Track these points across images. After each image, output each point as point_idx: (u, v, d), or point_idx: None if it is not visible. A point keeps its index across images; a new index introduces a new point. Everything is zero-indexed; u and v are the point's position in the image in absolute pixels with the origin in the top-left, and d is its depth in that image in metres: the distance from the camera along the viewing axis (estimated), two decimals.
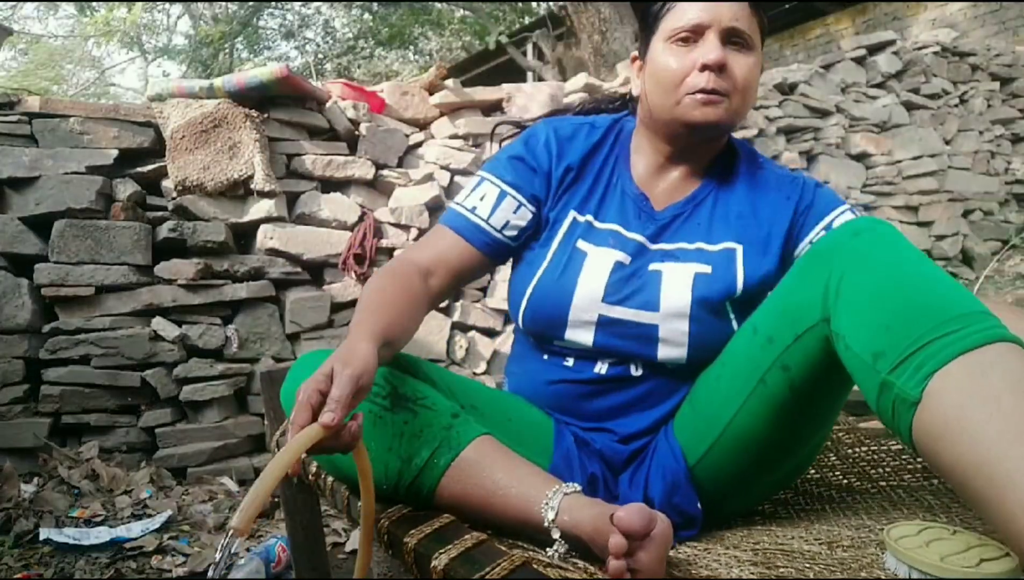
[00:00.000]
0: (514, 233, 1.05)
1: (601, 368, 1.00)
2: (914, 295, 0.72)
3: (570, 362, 1.02)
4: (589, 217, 1.03)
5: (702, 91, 0.92)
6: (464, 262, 1.03)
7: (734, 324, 0.98)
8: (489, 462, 0.81)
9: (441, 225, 1.06)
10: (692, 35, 0.94)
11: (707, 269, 0.97)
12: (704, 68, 0.92)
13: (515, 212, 1.04)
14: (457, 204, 1.06)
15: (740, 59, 0.94)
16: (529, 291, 1.01)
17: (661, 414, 1.00)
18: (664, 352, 0.97)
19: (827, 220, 1.00)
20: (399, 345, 0.90)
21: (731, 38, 0.94)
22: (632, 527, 0.66)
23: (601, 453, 0.99)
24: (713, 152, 1.05)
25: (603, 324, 0.97)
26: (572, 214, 1.04)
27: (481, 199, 1.04)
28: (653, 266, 0.98)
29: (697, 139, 1.00)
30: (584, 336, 0.98)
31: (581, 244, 1.01)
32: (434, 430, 0.82)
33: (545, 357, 1.04)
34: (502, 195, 1.04)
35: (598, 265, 0.98)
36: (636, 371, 0.99)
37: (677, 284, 0.96)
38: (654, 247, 1.00)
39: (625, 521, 0.67)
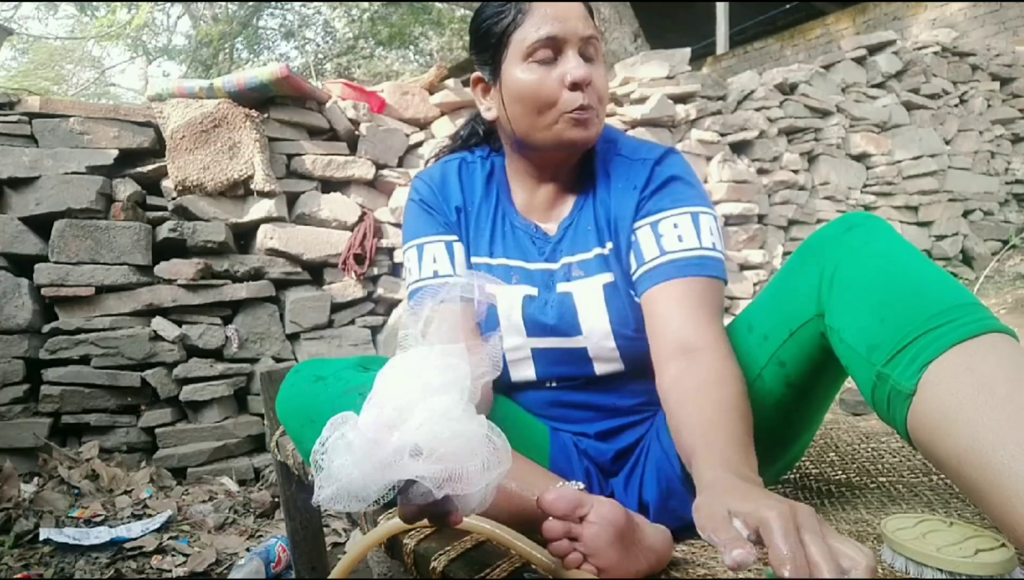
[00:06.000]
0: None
1: (551, 383, 1.01)
2: (907, 288, 0.72)
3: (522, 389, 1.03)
4: (486, 258, 1.03)
5: (579, 109, 0.90)
6: (469, 319, 1.00)
7: None
8: None
9: None
10: (551, 51, 0.90)
11: (611, 277, 0.96)
12: (575, 87, 0.89)
13: (466, 253, 1.04)
14: (416, 282, 1.03)
15: (598, 70, 0.92)
16: None
17: (627, 405, 1.01)
18: (600, 368, 0.98)
19: (655, 217, 0.93)
20: None
21: (586, 49, 0.91)
22: (554, 509, 0.67)
23: (587, 453, 1.00)
24: (580, 160, 1.03)
25: (537, 357, 0.99)
26: (471, 260, 1.04)
27: (434, 261, 1.02)
28: (562, 288, 0.98)
29: (571, 156, 0.99)
30: (526, 372, 1.00)
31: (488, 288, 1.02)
32: None
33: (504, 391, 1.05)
34: (448, 246, 1.03)
35: (510, 304, 0.98)
36: (584, 382, 1.00)
37: (591, 304, 0.96)
38: (557, 266, 0.99)
39: (545, 503, 0.67)
